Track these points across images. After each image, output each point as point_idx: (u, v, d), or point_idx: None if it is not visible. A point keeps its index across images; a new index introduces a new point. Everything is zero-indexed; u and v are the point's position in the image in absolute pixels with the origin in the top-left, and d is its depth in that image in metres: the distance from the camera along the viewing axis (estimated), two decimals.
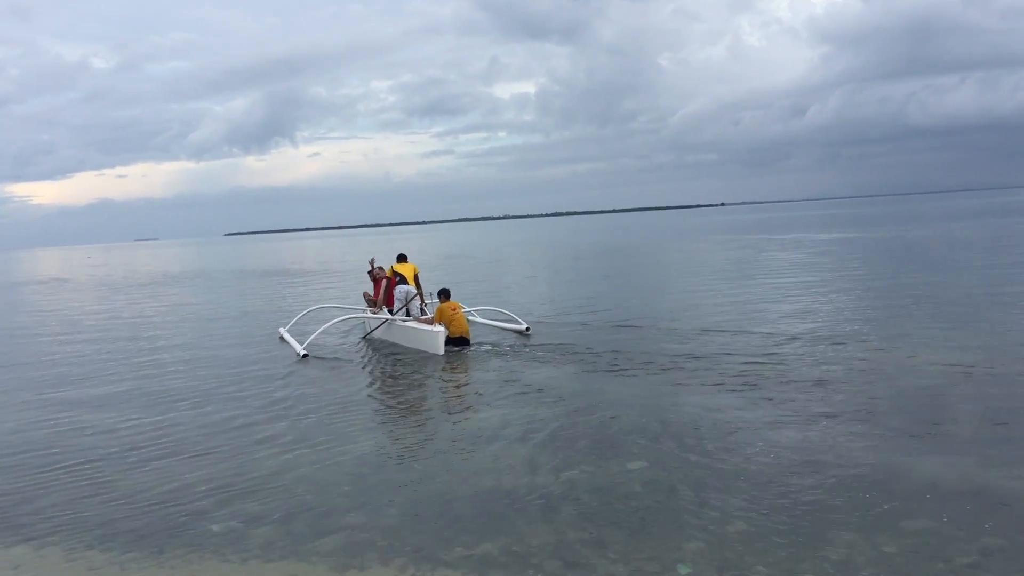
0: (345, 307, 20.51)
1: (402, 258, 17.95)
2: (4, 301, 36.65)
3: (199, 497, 7.75)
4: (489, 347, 15.44)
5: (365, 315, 18.01)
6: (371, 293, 18.62)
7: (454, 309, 15.58)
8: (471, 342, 15.49)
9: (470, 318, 17.32)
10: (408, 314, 16.75)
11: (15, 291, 43.89)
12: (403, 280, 17.10)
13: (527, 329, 16.77)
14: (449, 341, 15.08)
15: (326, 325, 17.16)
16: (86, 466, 8.95)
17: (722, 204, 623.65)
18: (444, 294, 16.17)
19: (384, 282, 17.75)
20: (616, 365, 13.03)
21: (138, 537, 6.84)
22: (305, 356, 15.28)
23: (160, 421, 10.93)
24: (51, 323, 24.86)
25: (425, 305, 16.96)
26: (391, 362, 14.91)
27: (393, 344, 16.54)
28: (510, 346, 15.35)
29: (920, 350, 12.92)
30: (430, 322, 15.63)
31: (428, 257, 55.36)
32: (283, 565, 6.18)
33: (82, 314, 27.14)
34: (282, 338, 17.76)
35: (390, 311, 17.09)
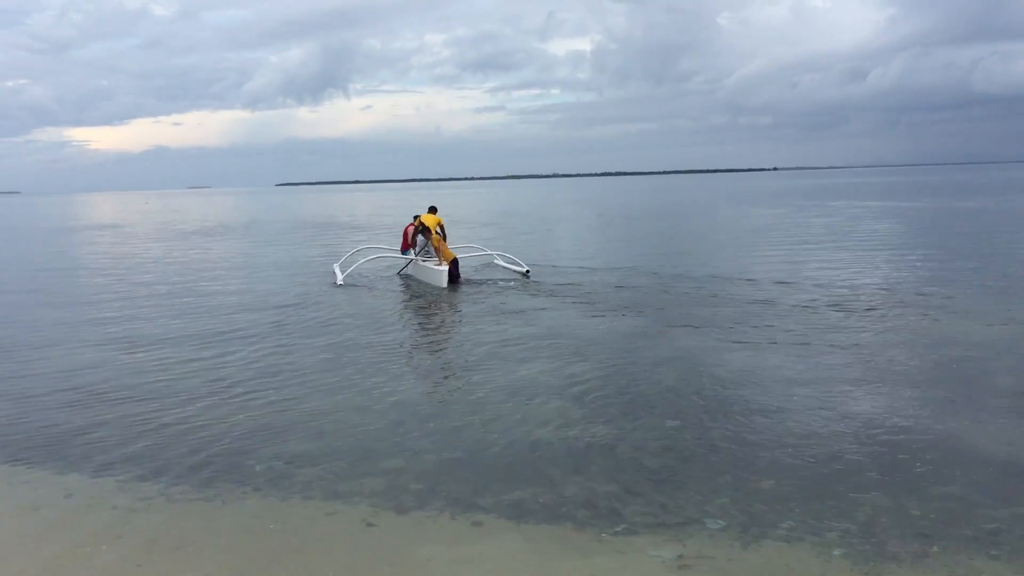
0: (383, 247, 23.62)
1: (432, 209, 20.34)
2: (67, 244, 37.66)
3: (244, 436, 8.04)
4: (530, 297, 15.96)
5: (396, 255, 21.44)
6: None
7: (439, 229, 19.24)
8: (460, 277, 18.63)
9: (478, 253, 21.59)
10: (428, 256, 19.76)
11: (77, 235, 45.04)
12: (423, 229, 19.72)
13: (527, 272, 19.39)
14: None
15: (361, 261, 20.62)
16: (137, 402, 9.31)
17: (775, 168, 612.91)
18: (432, 210, 19.95)
19: (411, 228, 20.64)
20: (658, 322, 13.14)
21: (186, 471, 7.15)
22: (340, 285, 18.64)
23: (210, 361, 11.29)
24: (111, 266, 25.53)
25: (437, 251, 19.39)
26: (420, 303, 16.72)
27: (415, 280, 19.58)
28: (551, 299, 15.56)
29: (966, 319, 12.77)
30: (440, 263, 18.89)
31: (478, 214, 55.50)
32: (322, 504, 6.43)
33: (140, 258, 27.82)
34: (333, 272, 20.27)
35: (415, 250, 20.31)
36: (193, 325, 14.14)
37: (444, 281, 18.04)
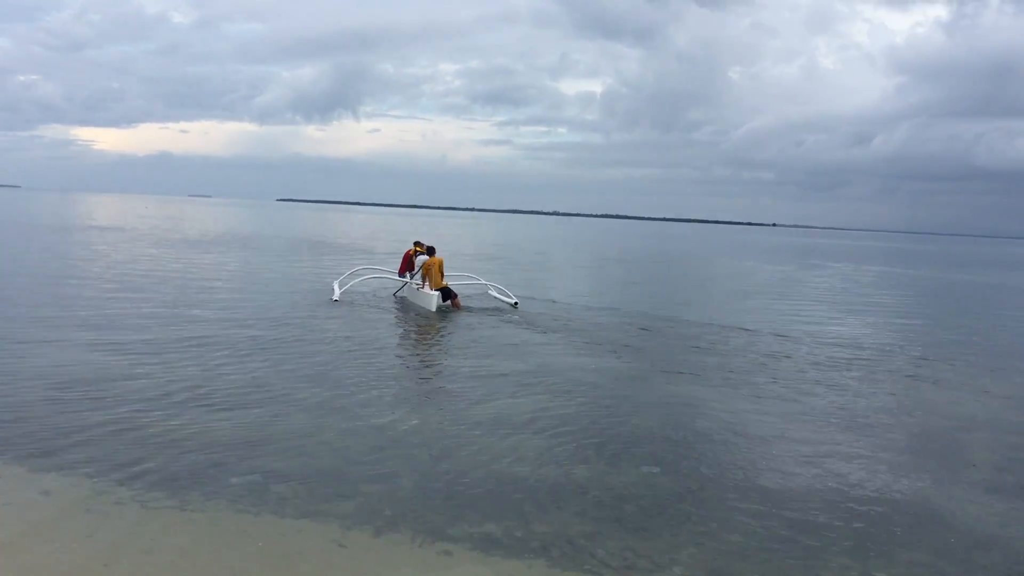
0: (381, 268, 24.40)
1: (431, 250, 20.64)
2: (67, 244, 37.67)
3: (224, 448, 8.08)
4: (522, 331, 16.09)
5: (392, 277, 22.16)
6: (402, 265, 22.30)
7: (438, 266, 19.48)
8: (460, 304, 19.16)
9: (472, 282, 21.91)
10: (422, 282, 20.10)
11: (77, 235, 45.05)
12: (420, 254, 20.87)
13: (515, 304, 19.94)
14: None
15: (359, 279, 21.74)
16: (119, 406, 9.33)
17: (774, 224, 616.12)
18: (430, 251, 20.28)
19: (411, 253, 21.46)
20: (647, 366, 13.26)
21: (162, 478, 7.18)
22: (336, 300, 19.41)
23: (196, 370, 11.32)
24: (106, 270, 25.54)
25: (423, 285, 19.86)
26: (413, 328, 17.01)
27: (409, 302, 20.21)
28: (543, 334, 15.65)
29: (950, 390, 12.87)
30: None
31: (480, 245, 55.70)
32: (295, 522, 6.46)
33: (136, 263, 27.84)
34: (332, 287, 20.88)
35: (411, 274, 21.02)
36: (182, 334, 14.15)
37: (434, 305, 18.71)
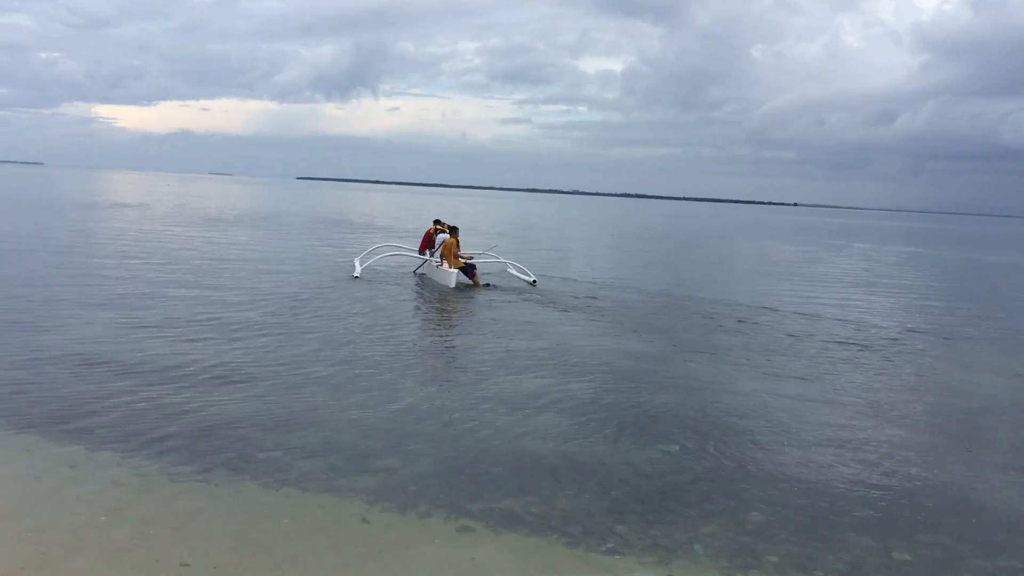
0: (402, 246, 24.76)
1: (453, 230, 20.74)
2: (92, 221, 37.95)
3: (247, 424, 8.15)
4: (542, 309, 16.19)
5: (413, 254, 22.44)
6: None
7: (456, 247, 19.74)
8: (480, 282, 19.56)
9: (492, 260, 21.96)
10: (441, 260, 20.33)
11: (102, 212, 45.39)
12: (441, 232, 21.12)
13: (534, 282, 20.18)
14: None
15: (378, 256, 22.00)
16: (144, 381, 9.43)
17: (795, 204, 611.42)
18: (453, 231, 20.31)
19: (433, 230, 21.59)
20: (669, 345, 13.24)
21: (188, 453, 7.27)
22: (357, 277, 19.68)
23: (219, 346, 11.41)
24: (131, 246, 25.74)
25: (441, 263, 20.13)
26: (432, 305, 17.08)
27: (429, 279, 20.47)
28: (563, 313, 15.68)
29: (975, 370, 12.78)
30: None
31: (499, 224, 55.66)
32: (318, 497, 6.53)
33: (160, 241, 28.04)
34: (353, 264, 21.17)
35: (431, 252, 21.21)
36: (205, 310, 14.27)
37: (453, 282, 18.98)
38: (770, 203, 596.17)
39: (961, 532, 6.42)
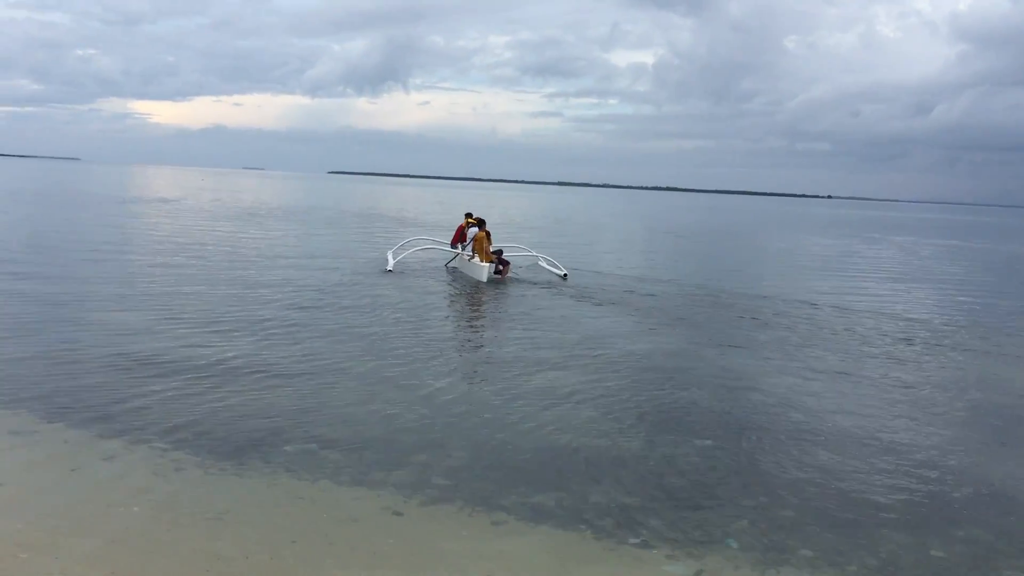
0: (434, 239, 24.39)
1: (481, 222, 20.87)
2: (129, 216, 38.50)
3: (280, 416, 8.23)
4: (573, 303, 16.19)
5: (445, 248, 22.36)
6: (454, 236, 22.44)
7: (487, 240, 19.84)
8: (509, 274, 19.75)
9: (522, 253, 22.24)
10: (473, 253, 20.37)
11: (140, 207, 46.01)
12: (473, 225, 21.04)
13: (565, 276, 20.13)
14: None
15: (411, 250, 22.04)
16: (181, 374, 9.54)
17: (829, 197, 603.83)
18: (480, 223, 20.42)
19: (464, 225, 21.50)
20: (702, 339, 13.17)
21: (222, 445, 7.35)
22: (390, 270, 19.82)
23: (252, 340, 11.53)
24: (166, 239, 26.09)
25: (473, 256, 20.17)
26: (463, 298, 17.17)
27: (460, 273, 20.51)
28: (595, 307, 15.64)
29: (1014, 366, 12.59)
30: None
31: (531, 217, 55.61)
32: (350, 490, 6.57)
33: (194, 235, 28.37)
34: (386, 257, 21.30)
35: (463, 246, 21.24)
36: (240, 303, 14.44)
37: (485, 276, 19.05)
38: (803, 195, 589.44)
39: (999, 528, 6.32)
